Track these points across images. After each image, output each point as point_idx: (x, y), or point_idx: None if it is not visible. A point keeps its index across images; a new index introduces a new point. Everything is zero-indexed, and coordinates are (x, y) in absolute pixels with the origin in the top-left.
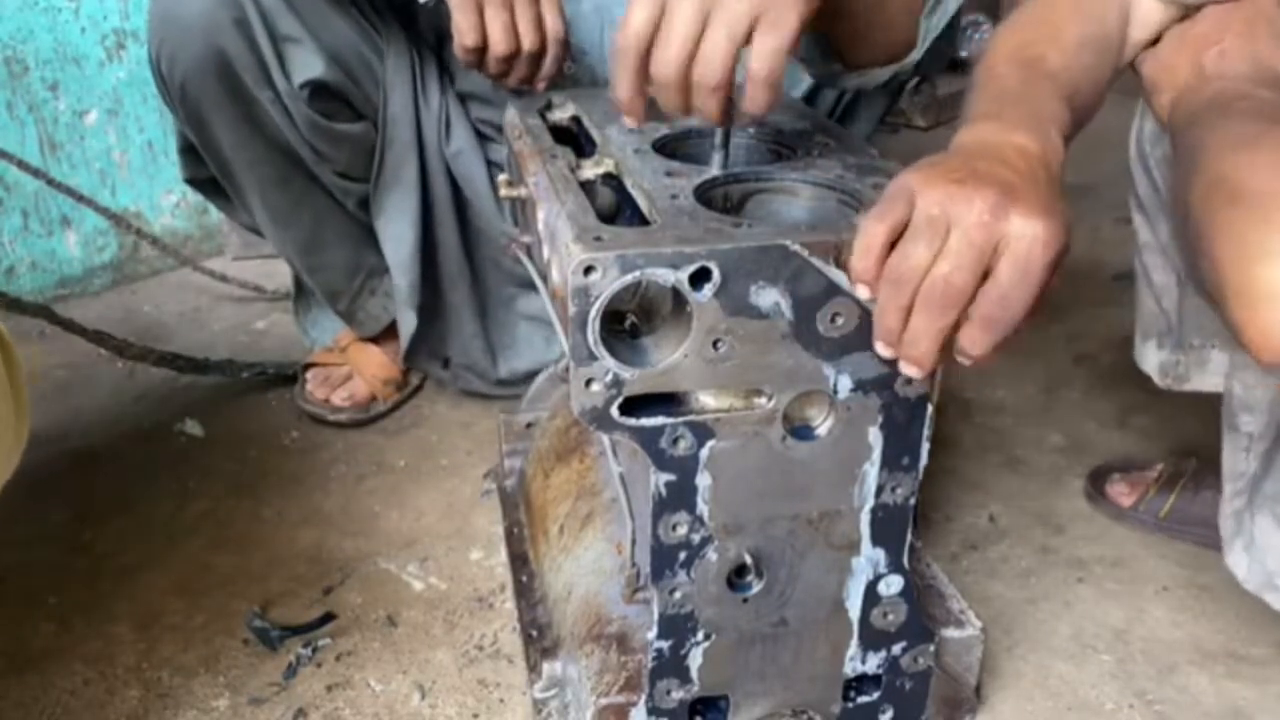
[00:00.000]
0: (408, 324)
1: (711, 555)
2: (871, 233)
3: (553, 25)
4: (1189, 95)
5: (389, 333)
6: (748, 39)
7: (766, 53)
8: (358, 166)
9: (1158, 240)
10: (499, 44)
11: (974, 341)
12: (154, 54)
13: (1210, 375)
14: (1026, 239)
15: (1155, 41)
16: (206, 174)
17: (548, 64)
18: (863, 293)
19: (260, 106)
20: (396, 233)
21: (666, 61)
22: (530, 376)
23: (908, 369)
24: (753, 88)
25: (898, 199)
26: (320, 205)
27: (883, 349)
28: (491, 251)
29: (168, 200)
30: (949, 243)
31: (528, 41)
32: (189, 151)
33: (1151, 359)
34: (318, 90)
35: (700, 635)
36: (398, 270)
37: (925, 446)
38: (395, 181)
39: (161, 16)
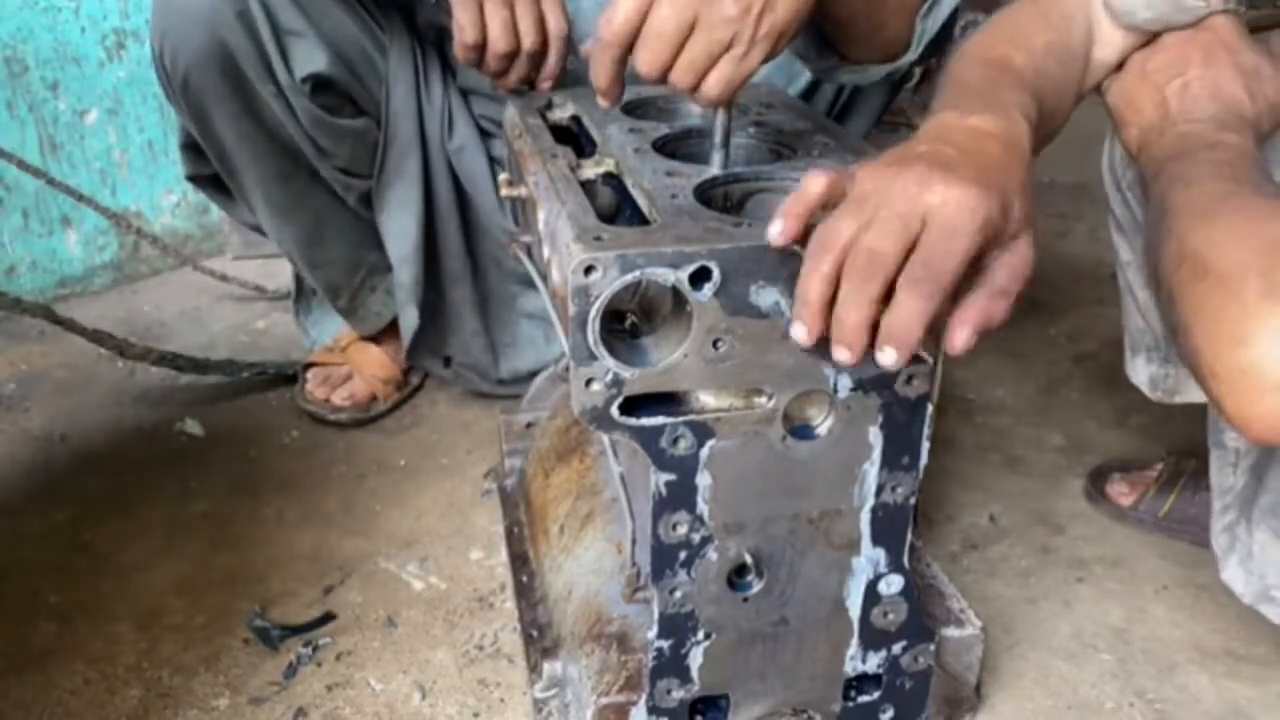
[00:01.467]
0: (410, 321)
1: (712, 555)
2: (804, 192)
3: (555, 24)
4: (1155, 138)
5: (390, 332)
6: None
7: (723, 80)
8: (359, 162)
9: (1138, 258)
10: (499, 41)
11: (904, 310)
12: (156, 47)
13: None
14: (951, 204)
15: (1121, 65)
16: (208, 171)
17: (551, 62)
18: (776, 237)
19: (262, 100)
20: (399, 228)
21: (649, 64)
22: (531, 376)
23: (839, 351)
24: (699, 102)
25: (840, 179)
26: (321, 201)
27: (800, 331)
28: (493, 249)
29: (168, 200)
30: (876, 215)
31: (528, 40)
32: (190, 148)
33: (1141, 372)
34: (320, 84)
35: (701, 634)
36: (400, 265)
37: (925, 446)
38: (398, 176)
39: (164, 9)
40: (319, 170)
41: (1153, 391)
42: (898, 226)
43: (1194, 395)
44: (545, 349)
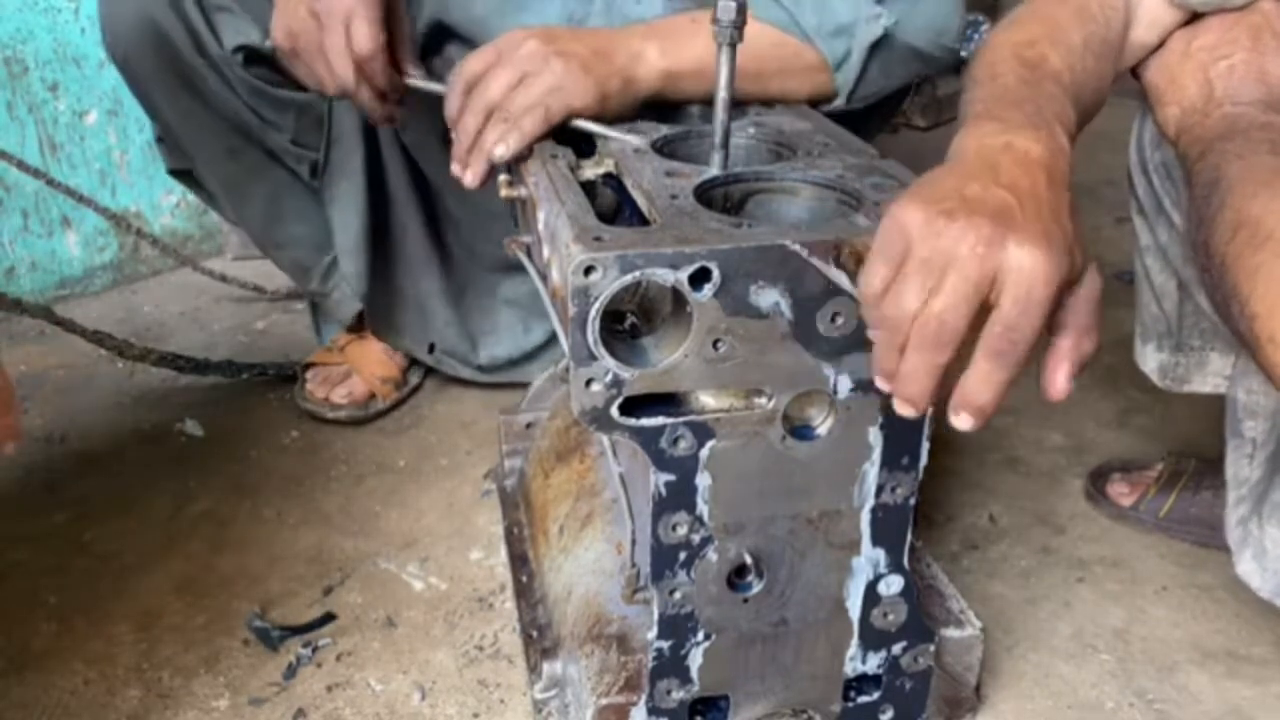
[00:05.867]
0: (348, 310)
1: (711, 555)
2: (871, 279)
3: (361, 46)
4: (1198, 119)
5: None
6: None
7: (492, 138)
8: (307, 134)
9: (1157, 243)
10: (327, 90)
11: (984, 379)
12: (103, 35)
13: (1210, 377)
14: (1025, 271)
15: (1159, 45)
16: (185, 165)
17: (379, 83)
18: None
19: (201, 76)
20: (343, 221)
21: (476, 109)
22: (511, 363)
23: (902, 408)
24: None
25: (893, 238)
26: (276, 178)
27: (881, 383)
28: (467, 237)
29: (168, 200)
30: (944, 280)
31: (331, 87)
32: (164, 140)
33: (1151, 360)
34: (255, 55)
35: (700, 635)
36: (344, 257)
37: (925, 446)
38: (342, 172)
39: None
40: (270, 146)
41: (1161, 380)
42: (969, 292)
43: (1202, 385)
44: (525, 337)
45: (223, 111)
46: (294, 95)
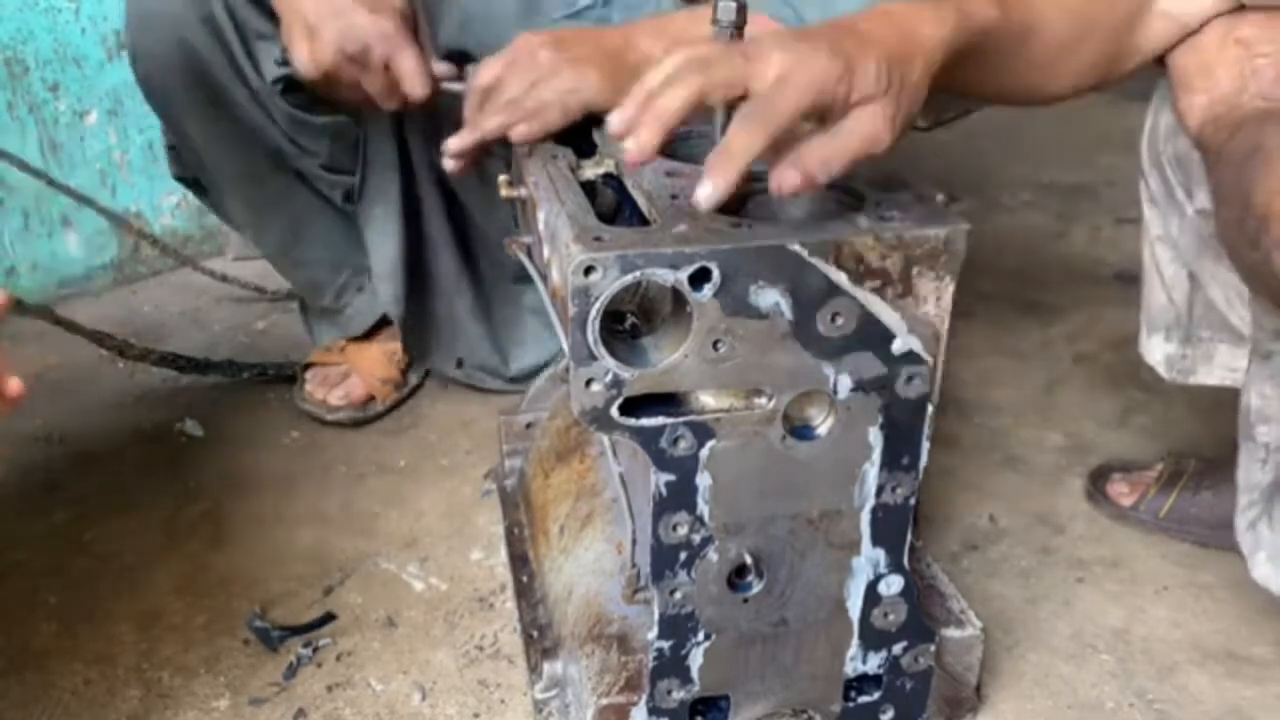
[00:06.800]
0: (364, 323)
1: (712, 555)
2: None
3: (415, 92)
4: (1226, 110)
5: (388, 333)
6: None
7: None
8: (341, 158)
9: (1169, 233)
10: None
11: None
12: (130, 50)
13: (1217, 369)
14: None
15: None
16: (193, 172)
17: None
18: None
19: (235, 101)
20: (379, 245)
21: (494, 110)
22: (539, 370)
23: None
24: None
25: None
26: (301, 201)
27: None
28: (492, 250)
29: (168, 200)
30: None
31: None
32: (175, 148)
33: (1158, 351)
34: (294, 83)
35: (701, 635)
36: (380, 281)
37: (925, 446)
38: (379, 196)
39: (133, 13)
40: (301, 169)
41: (1168, 371)
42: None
43: (1208, 377)
44: (551, 343)
45: (255, 137)
46: (331, 120)
